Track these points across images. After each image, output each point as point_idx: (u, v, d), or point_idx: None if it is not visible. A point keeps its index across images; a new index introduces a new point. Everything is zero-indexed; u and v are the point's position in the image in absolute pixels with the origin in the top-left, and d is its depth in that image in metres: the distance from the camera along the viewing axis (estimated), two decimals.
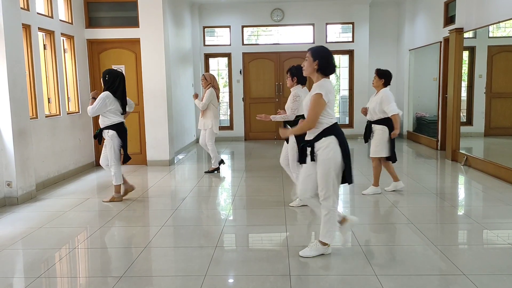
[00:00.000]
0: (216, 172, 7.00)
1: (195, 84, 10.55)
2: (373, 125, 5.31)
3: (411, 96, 10.34)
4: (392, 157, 5.35)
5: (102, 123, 5.09)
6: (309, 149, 3.39)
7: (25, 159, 5.39)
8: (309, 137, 3.42)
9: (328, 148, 3.30)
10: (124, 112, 5.22)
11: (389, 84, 5.28)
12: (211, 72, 10.99)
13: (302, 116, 4.39)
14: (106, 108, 5.01)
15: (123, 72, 5.23)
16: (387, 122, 5.18)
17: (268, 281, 3.08)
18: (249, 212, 4.90)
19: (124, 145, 5.23)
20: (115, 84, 5.07)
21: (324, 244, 3.48)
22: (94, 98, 5.09)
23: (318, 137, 3.34)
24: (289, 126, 4.74)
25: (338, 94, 11.47)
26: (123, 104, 5.17)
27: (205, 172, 7.01)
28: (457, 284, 2.98)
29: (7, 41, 5.06)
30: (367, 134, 5.39)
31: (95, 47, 7.50)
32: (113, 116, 5.08)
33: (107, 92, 5.03)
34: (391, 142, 5.27)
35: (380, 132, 5.23)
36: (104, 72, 5.15)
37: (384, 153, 5.28)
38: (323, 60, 3.33)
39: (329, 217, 3.42)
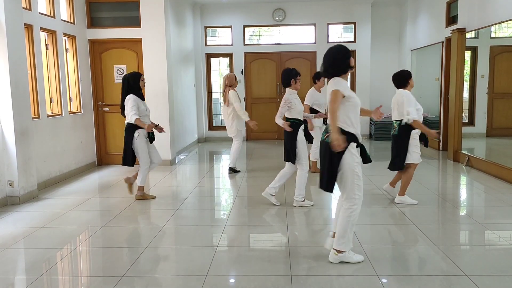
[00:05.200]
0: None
1: (196, 84, 10.56)
2: None
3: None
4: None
5: None
6: None
7: (27, 158, 5.40)
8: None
9: None
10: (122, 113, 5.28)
11: (399, 87, 5.06)
12: (212, 72, 11.02)
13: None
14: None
15: (129, 73, 5.42)
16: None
17: (269, 281, 3.07)
18: (250, 212, 4.90)
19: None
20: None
21: None
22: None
23: None
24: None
25: None
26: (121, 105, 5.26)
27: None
28: (459, 285, 2.97)
29: (9, 41, 5.07)
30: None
31: (97, 47, 7.51)
32: None
33: (133, 96, 5.16)
34: None
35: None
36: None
37: None
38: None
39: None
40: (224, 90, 6.76)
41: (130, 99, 5.08)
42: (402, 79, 4.91)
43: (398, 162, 4.89)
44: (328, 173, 3.24)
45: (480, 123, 7.55)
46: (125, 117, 5.21)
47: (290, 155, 4.82)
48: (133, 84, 5.18)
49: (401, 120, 4.82)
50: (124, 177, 5.49)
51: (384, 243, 3.82)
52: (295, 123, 4.81)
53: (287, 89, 4.94)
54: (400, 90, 4.90)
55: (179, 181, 6.68)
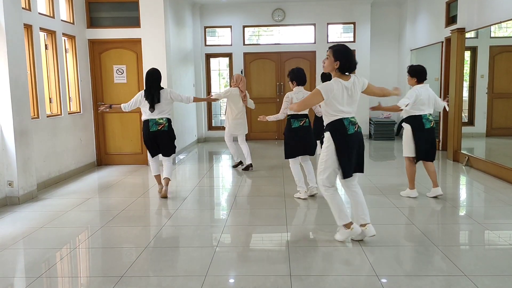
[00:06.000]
0: (240, 166, 7.29)
1: (196, 84, 10.56)
2: (403, 123, 5.22)
3: None
4: (416, 157, 5.19)
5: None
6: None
7: (27, 158, 5.39)
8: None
9: (326, 141, 3.71)
10: (152, 108, 5.30)
11: (421, 82, 5.13)
12: (212, 72, 11.02)
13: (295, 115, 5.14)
14: (136, 105, 5.41)
15: (155, 69, 5.49)
16: (410, 120, 5.08)
17: (268, 281, 3.07)
18: (250, 212, 4.90)
19: (146, 141, 5.42)
20: (146, 83, 5.36)
21: (346, 226, 3.74)
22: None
23: (325, 130, 3.74)
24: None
25: None
26: (152, 100, 5.29)
27: (234, 167, 7.37)
28: (459, 285, 2.97)
29: (8, 41, 5.07)
30: (397, 131, 5.34)
31: (96, 47, 7.50)
32: (143, 113, 5.43)
33: (141, 91, 5.40)
34: (416, 142, 5.09)
35: (404, 131, 5.16)
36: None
37: (408, 152, 5.17)
38: (344, 60, 3.56)
39: (328, 201, 3.80)
40: (244, 91, 7.04)
41: (171, 88, 5.59)
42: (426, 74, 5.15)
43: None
44: (362, 158, 3.77)
45: (479, 123, 7.55)
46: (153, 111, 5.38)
47: (313, 149, 5.27)
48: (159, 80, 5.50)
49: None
50: (161, 192, 5.47)
51: (384, 243, 3.82)
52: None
53: (301, 87, 5.20)
54: (426, 84, 5.11)
55: (179, 181, 6.67)
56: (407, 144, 5.15)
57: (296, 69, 5.22)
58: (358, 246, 3.70)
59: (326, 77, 6.72)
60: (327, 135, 3.67)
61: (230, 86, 7.19)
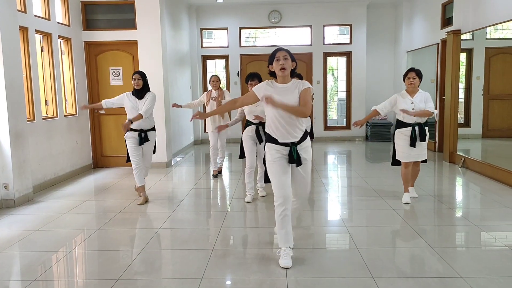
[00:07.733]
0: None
1: (192, 86, 10.55)
2: (426, 127, 5.01)
3: None
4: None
5: (149, 125, 5.27)
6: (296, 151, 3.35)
7: (22, 161, 5.37)
8: (294, 138, 3.34)
9: (309, 146, 3.46)
10: None
11: None
12: (208, 74, 11.02)
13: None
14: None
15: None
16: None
17: (265, 284, 3.07)
18: (246, 214, 4.90)
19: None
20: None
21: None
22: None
23: (305, 137, 3.42)
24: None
25: (336, 96, 11.48)
26: None
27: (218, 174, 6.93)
28: (455, 287, 2.98)
29: (4, 44, 5.05)
30: (422, 137, 4.93)
31: (92, 49, 7.49)
32: (152, 117, 5.38)
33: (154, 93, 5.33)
34: None
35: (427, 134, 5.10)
36: (143, 74, 5.26)
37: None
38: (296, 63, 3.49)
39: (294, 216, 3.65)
40: None
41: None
42: None
43: None
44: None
45: (475, 125, 7.57)
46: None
47: None
48: None
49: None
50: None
51: (380, 245, 3.82)
52: None
53: None
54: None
55: (175, 183, 6.67)
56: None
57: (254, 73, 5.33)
58: (354, 248, 3.71)
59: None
60: (309, 141, 3.51)
61: (225, 89, 7.24)
